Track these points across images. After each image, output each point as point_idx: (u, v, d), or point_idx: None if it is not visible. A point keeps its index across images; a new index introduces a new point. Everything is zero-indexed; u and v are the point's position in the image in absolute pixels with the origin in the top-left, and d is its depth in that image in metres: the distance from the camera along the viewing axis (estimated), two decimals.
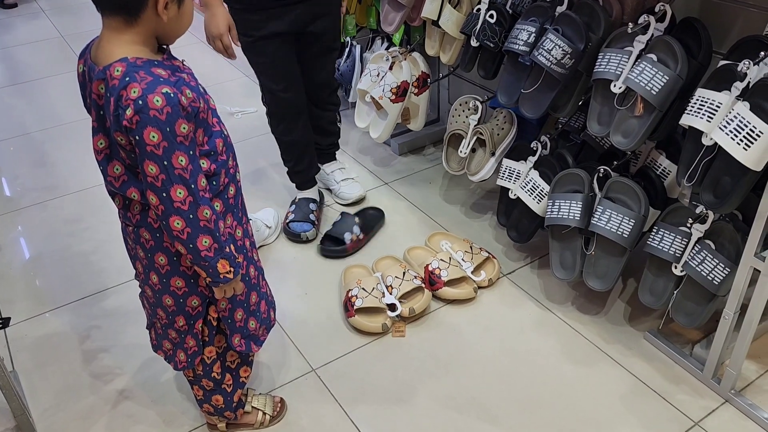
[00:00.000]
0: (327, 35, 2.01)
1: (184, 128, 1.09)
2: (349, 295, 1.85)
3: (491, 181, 2.12)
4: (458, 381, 1.67)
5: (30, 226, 2.33)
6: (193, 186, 1.12)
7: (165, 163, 1.08)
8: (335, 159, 2.40)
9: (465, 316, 1.87)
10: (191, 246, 1.16)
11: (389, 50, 2.39)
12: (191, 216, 1.13)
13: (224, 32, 1.81)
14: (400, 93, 2.30)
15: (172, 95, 1.06)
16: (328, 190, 2.41)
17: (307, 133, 2.16)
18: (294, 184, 2.28)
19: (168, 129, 1.07)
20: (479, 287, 1.94)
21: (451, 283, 1.90)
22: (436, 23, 2.09)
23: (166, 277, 1.26)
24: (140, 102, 1.04)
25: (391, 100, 2.29)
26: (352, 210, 2.28)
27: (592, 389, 1.63)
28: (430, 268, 1.92)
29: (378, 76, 2.34)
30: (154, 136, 1.06)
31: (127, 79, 1.05)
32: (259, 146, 2.77)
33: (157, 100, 1.05)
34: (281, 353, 1.76)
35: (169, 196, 1.11)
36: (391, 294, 1.84)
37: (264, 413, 1.55)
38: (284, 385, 1.67)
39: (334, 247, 2.10)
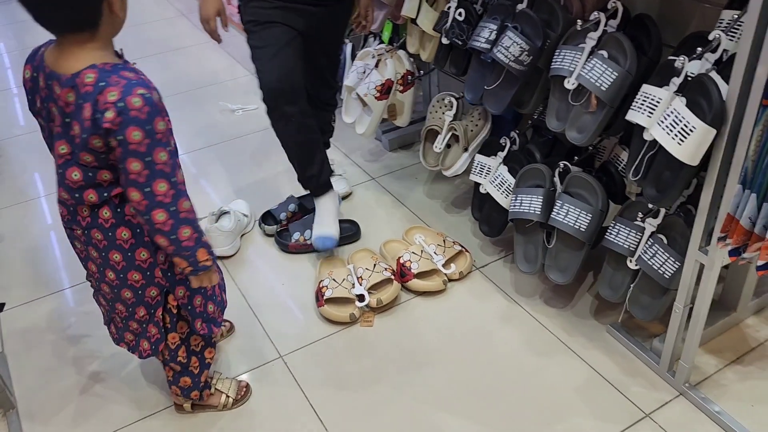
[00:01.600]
0: (333, 43, 2.06)
1: (161, 125, 1.17)
2: (321, 285, 1.91)
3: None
4: (419, 370, 1.71)
5: (32, 218, 2.46)
6: (173, 180, 1.21)
7: (148, 159, 1.16)
8: None
9: (434, 308, 1.91)
10: (173, 237, 1.23)
11: (376, 48, 2.44)
12: (173, 208, 1.21)
13: (212, 17, 1.90)
14: (384, 91, 2.34)
15: (147, 95, 1.14)
16: None
17: (312, 132, 2.02)
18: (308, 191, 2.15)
19: (148, 127, 1.14)
20: (450, 280, 1.98)
21: (421, 275, 1.95)
22: (414, 21, 2.14)
23: (123, 272, 1.33)
24: (120, 104, 1.12)
25: (375, 98, 2.34)
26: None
27: (548, 380, 1.66)
28: (401, 261, 1.97)
29: (364, 73, 2.40)
30: (136, 135, 1.14)
31: (102, 84, 1.13)
32: (258, 142, 2.85)
33: (136, 101, 1.12)
34: (252, 339, 1.84)
35: (152, 190, 1.18)
36: (361, 285, 1.89)
37: (227, 396, 1.63)
38: (252, 370, 1.75)
39: (281, 239, 2.17)
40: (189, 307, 1.43)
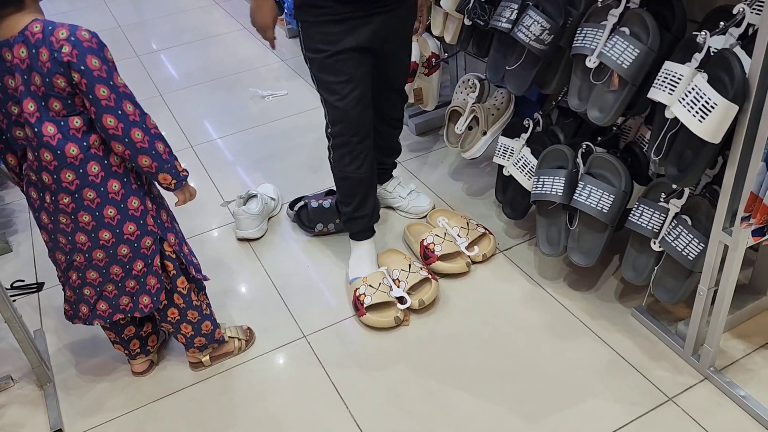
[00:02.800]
0: (401, 52, 1.88)
1: (109, 55, 1.31)
2: (357, 293, 1.84)
3: None
4: (439, 351, 1.72)
5: None
6: (135, 100, 1.34)
7: (111, 83, 1.29)
8: (392, 176, 2.25)
9: (456, 290, 1.91)
10: (153, 152, 1.35)
11: None
12: (144, 126, 1.34)
13: (270, 25, 1.74)
14: (409, 74, 2.34)
15: (91, 31, 1.28)
16: (390, 208, 2.25)
17: (374, 169, 1.92)
18: (349, 232, 1.99)
19: (101, 56, 1.28)
20: (473, 262, 1.98)
21: (444, 257, 1.95)
22: (438, 2, 2.13)
23: (119, 227, 1.41)
24: (72, 38, 1.25)
25: None
26: None
27: (568, 363, 1.65)
28: (424, 243, 1.98)
29: None
30: (95, 62, 1.27)
31: (50, 27, 1.25)
32: (287, 128, 2.89)
33: (85, 34, 1.27)
34: (277, 320, 1.88)
35: (124, 111, 1.31)
36: (398, 287, 1.84)
37: (239, 339, 1.74)
38: (276, 350, 1.78)
39: (302, 224, 2.18)
40: (182, 255, 1.54)
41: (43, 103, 1.28)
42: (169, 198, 1.54)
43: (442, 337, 1.76)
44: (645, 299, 1.73)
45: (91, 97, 1.27)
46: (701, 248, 1.47)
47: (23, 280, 2.12)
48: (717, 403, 1.51)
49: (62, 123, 1.30)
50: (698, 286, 1.50)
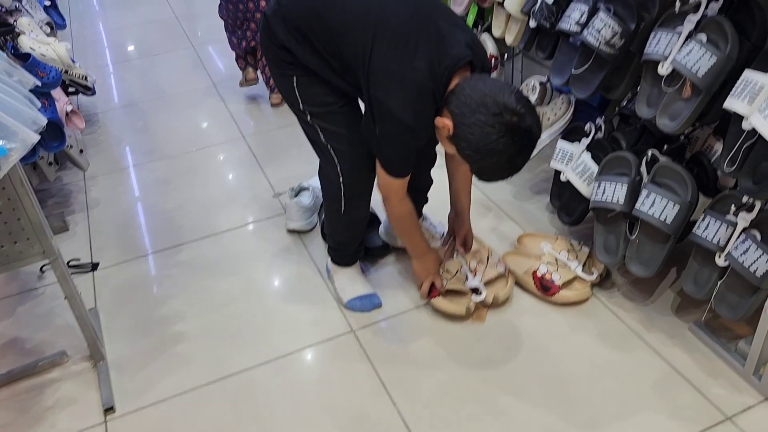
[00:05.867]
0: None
1: None
2: None
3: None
4: (489, 353, 1.71)
5: (127, 185, 2.60)
6: None
7: None
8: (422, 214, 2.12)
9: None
10: None
11: None
12: None
13: (435, 271, 1.80)
14: None
15: None
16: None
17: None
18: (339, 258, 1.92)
19: None
20: (593, 285, 1.86)
21: (564, 285, 1.82)
22: (501, 4, 2.11)
23: None
24: None
25: None
26: None
27: (622, 374, 1.62)
28: (538, 275, 1.85)
29: None
30: None
31: None
32: None
33: None
34: (325, 312, 1.88)
35: None
36: (475, 277, 1.81)
37: None
38: (323, 342, 1.79)
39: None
40: None
41: None
42: None
43: (493, 340, 1.74)
44: (704, 314, 1.68)
45: None
46: None
47: (78, 260, 2.17)
48: None
49: None
50: (765, 304, 1.45)
